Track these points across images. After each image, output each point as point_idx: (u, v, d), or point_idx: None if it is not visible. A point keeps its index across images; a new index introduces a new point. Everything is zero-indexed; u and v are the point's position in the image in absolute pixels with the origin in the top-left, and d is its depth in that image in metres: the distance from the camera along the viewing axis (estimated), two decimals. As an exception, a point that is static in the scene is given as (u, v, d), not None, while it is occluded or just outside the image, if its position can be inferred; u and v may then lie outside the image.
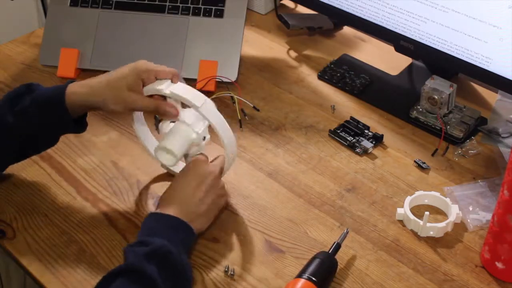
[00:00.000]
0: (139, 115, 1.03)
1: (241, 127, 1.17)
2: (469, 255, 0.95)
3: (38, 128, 0.97)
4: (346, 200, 1.03)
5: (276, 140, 1.15)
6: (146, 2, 1.29)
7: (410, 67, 1.30)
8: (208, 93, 1.23)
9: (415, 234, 0.98)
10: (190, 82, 1.23)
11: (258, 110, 1.20)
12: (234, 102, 1.21)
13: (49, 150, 1.11)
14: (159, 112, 0.96)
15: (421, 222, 0.96)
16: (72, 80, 0.98)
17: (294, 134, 1.16)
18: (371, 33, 1.34)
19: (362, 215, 1.01)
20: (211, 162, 0.98)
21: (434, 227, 0.96)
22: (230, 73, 1.23)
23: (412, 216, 0.98)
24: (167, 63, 1.25)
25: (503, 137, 1.13)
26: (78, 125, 1.00)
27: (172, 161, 0.96)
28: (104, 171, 1.08)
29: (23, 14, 1.62)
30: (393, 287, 0.91)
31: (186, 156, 1.00)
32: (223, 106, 1.21)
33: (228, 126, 0.96)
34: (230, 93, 1.21)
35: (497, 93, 1.24)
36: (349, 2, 1.23)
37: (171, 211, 0.89)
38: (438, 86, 1.12)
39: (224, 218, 1.00)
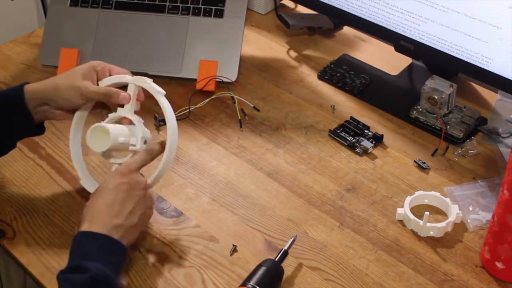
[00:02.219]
0: (79, 118, 1.00)
1: (241, 127, 1.17)
2: (469, 255, 0.95)
3: None
4: (346, 200, 1.03)
5: (276, 140, 1.15)
6: (146, 2, 1.29)
7: (410, 67, 1.30)
8: (208, 93, 1.23)
9: (415, 234, 0.98)
10: (190, 82, 1.24)
11: (258, 110, 1.20)
12: (234, 102, 1.21)
13: (49, 150, 1.11)
14: (111, 98, 0.94)
15: (421, 222, 0.96)
16: (26, 82, 0.97)
17: (294, 134, 1.16)
18: (371, 33, 1.33)
19: (362, 215, 1.01)
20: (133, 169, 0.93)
21: (434, 227, 0.96)
22: (230, 73, 1.23)
23: (412, 216, 0.98)
24: (167, 63, 1.26)
25: (503, 137, 1.13)
26: (37, 127, 0.99)
27: (102, 146, 0.91)
28: (104, 171, 1.08)
29: (23, 14, 1.62)
30: (393, 287, 0.91)
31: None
32: (223, 106, 1.22)
33: (175, 124, 0.94)
34: (230, 93, 1.21)
35: (497, 93, 1.24)
36: (349, 2, 1.23)
37: (101, 228, 0.84)
38: (438, 86, 1.12)
39: (224, 218, 1.00)
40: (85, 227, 0.85)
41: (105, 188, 0.89)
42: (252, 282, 0.85)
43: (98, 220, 0.85)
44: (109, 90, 0.95)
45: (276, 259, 0.90)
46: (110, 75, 0.97)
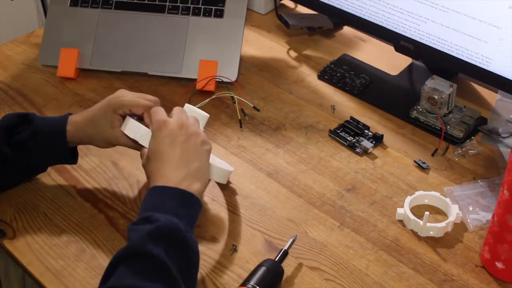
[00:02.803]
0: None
1: (241, 127, 1.17)
2: (469, 255, 0.95)
3: (35, 160, 0.99)
4: (346, 200, 1.03)
5: (276, 140, 1.15)
6: (146, 2, 1.29)
7: (410, 67, 1.30)
8: (208, 93, 1.23)
9: (415, 234, 0.98)
10: (190, 82, 1.24)
11: (258, 110, 1.20)
12: (234, 102, 1.21)
13: (49, 150, 1.11)
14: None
15: (421, 222, 0.96)
16: (70, 113, 1.00)
17: (294, 134, 1.16)
18: (371, 33, 1.33)
19: (362, 215, 1.01)
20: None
21: (434, 227, 0.97)
22: (230, 73, 1.23)
23: (412, 216, 0.98)
24: (167, 63, 1.26)
25: (503, 137, 1.13)
26: (72, 156, 1.02)
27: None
28: (104, 171, 1.08)
29: (23, 14, 1.62)
30: (393, 287, 0.91)
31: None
32: (223, 106, 1.22)
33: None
34: (230, 93, 1.21)
35: (497, 93, 1.24)
36: (349, 2, 1.23)
37: (170, 181, 0.85)
38: (438, 86, 1.12)
39: (224, 218, 1.00)
40: (153, 184, 0.86)
41: (155, 144, 0.88)
42: (252, 282, 0.85)
43: (162, 176, 0.85)
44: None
45: (276, 259, 0.89)
46: (130, 111, 0.96)
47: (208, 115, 0.98)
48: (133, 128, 0.95)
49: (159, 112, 0.92)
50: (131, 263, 0.76)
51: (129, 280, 0.74)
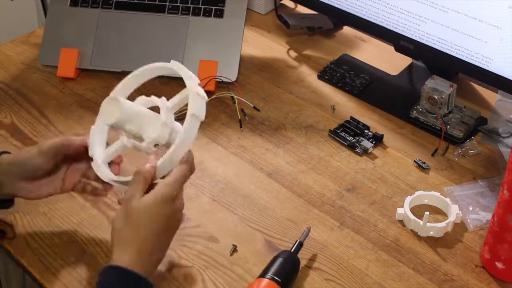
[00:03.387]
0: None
1: (241, 127, 1.17)
2: (469, 255, 0.95)
3: None
4: (346, 200, 1.03)
5: (276, 140, 1.15)
6: (146, 2, 1.29)
7: (410, 67, 1.30)
8: (208, 93, 1.22)
9: (415, 234, 0.98)
10: (190, 82, 1.23)
11: (258, 110, 1.20)
12: (234, 102, 1.21)
13: (49, 150, 1.11)
14: (69, 140, 0.91)
15: (421, 222, 0.96)
16: (4, 152, 0.93)
17: (294, 134, 1.16)
18: (371, 33, 1.34)
19: (362, 215, 1.01)
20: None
21: (434, 227, 0.96)
22: (230, 73, 1.23)
23: (412, 216, 0.98)
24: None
25: (503, 137, 1.13)
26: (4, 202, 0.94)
27: (113, 116, 0.84)
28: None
29: (23, 14, 1.61)
30: (393, 287, 0.91)
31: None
32: (223, 106, 1.22)
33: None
34: (230, 93, 1.21)
35: (497, 93, 1.24)
36: (349, 2, 1.23)
37: (133, 263, 0.78)
38: (438, 86, 1.12)
39: (224, 218, 1.00)
40: (116, 258, 0.79)
41: (142, 217, 0.80)
42: (270, 273, 0.85)
43: (129, 252, 0.79)
44: (66, 136, 0.90)
45: (292, 250, 0.90)
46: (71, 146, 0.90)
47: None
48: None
49: (178, 176, 0.83)
50: None
51: None
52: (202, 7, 1.28)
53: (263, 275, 0.86)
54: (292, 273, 0.89)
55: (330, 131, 1.15)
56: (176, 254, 0.95)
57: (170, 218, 0.82)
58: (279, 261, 0.88)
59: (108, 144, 0.90)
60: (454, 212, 0.98)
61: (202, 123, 1.18)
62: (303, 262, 0.93)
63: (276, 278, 0.85)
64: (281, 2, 1.51)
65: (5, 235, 0.97)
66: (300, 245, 0.92)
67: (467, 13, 1.08)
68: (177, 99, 0.90)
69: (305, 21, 1.41)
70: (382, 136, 1.13)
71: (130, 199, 0.81)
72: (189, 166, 0.84)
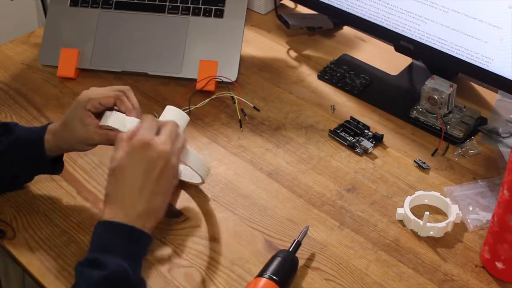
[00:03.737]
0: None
1: (241, 127, 1.17)
2: (469, 255, 0.95)
3: (14, 170, 0.97)
4: (346, 200, 1.03)
5: (276, 140, 1.15)
6: (146, 2, 1.29)
7: (410, 67, 1.30)
8: (208, 93, 1.23)
9: (415, 234, 0.98)
10: (190, 82, 1.24)
11: (258, 110, 1.20)
12: (234, 102, 1.21)
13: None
14: (111, 138, 0.93)
15: (421, 222, 0.96)
16: (50, 122, 0.97)
17: (294, 134, 1.16)
18: (371, 33, 1.34)
19: (362, 215, 1.01)
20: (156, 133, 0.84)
21: (434, 227, 0.96)
22: (230, 73, 1.23)
23: (412, 216, 0.98)
24: (167, 63, 1.26)
25: (503, 137, 1.13)
26: (55, 165, 0.99)
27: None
28: (104, 171, 1.08)
29: (23, 14, 1.61)
30: (393, 287, 0.91)
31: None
32: (223, 106, 1.22)
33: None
34: (230, 93, 1.21)
35: (497, 93, 1.24)
36: (349, 2, 1.23)
37: (123, 216, 0.79)
38: (438, 86, 1.12)
39: (224, 218, 1.00)
40: (106, 215, 0.79)
41: (123, 166, 0.81)
42: (269, 273, 0.85)
43: (119, 207, 0.79)
44: (109, 139, 0.93)
45: (290, 249, 0.90)
46: (100, 104, 0.92)
47: (189, 118, 0.96)
48: (117, 119, 0.91)
49: (149, 123, 0.84)
50: None
51: None
52: (202, 7, 1.28)
53: (261, 274, 0.86)
54: (290, 272, 0.89)
55: (330, 131, 1.15)
56: (176, 254, 0.95)
57: (151, 167, 0.80)
58: (277, 260, 0.88)
59: None
60: (454, 212, 0.98)
61: (202, 123, 1.19)
62: (302, 262, 0.93)
63: (274, 277, 0.85)
64: (281, 2, 1.51)
65: (5, 235, 0.97)
66: (298, 244, 0.92)
67: (467, 13, 1.08)
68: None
69: (305, 21, 1.41)
70: (382, 136, 1.13)
71: (111, 158, 0.84)
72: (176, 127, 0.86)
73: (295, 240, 0.92)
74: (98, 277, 0.74)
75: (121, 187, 0.80)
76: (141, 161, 0.81)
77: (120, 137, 0.83)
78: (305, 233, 0.93)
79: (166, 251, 0.95)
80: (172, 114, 0.94)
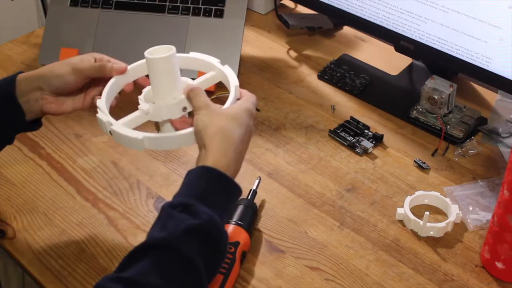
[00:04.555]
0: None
1: (241, 127, 1.17)
2: (469, 255, 0.95)
3: None
4: (346, 200, 1.03)
5: (276, 140, 1.15)
6: (146, 2, 1.29)
7: (410, 67, 1.30)
8: (208, 93, 1.22)
9: (415, 234, 0.98)
10: (190, 82, 1.23)
11: (258, 110, 1.20)
12: (234, 102, 1.21)
13: (49, 150, 1.11)
14: (105, 70, 0.91)
15: (421, 222, 0.96)
16: (21, 72, 0.92)
17: (294, 134, 1.16)
18: (371, 33, 1.33)
19: (362, 215, 1.01)
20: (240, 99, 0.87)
21: (434, 227, 0.97)
22: (230, 73, 1.23)
23: (412, 216, 0.98)
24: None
25: (503, 137, 1.13)
26: (32, 123, 0.93)
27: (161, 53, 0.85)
28: (104, 171, 1.08)
29: (23, 14, 1.61)
30: (393, 287, 0.91)
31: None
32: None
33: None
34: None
35: (497, 93, 1.24)
36: (349, 2, 1.23)
37: (229, 168, 0.78)
38: (438, 86, 1.12)
39: (224, 218, 1.00)
40: (209, 160, 0.77)
41: (235, 122, 0.81)
42: (235, 219, 0.94)
43: (223, 157, 0.78)
44: (102, 64, 0.91)
45: (249, 198, 0.99)
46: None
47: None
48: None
49: (250, 97, 0.88)
50: (160, 257, 0.70)
51: (155, 278, 0.68)
52: (202, 7, 1.28)
53: (227, 221, 0.94)
54: (253, 218, 0.97)
55: (330, 131, 1.15)
56: (176, 254, 0.95)
57: (249, 129, 0.83)
58: (240, 208, 0.96)
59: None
60: (454, 212, 0.98)
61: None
62: (302, 262, 0.93)
63: (240, 222, 0.94)
64: (281, 2, 1.51)
65: (5, 235, 0.97)
66: (255, 192, 1.00)
67: (467, 13, 1.08)
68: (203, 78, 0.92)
69: (305, 21, 1.41)
70: (382, 136, 1.13)
71: (208, 105, 0.83)
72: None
73: (251, 189, 1.00)
74: (189, 225, 0.72)
75: (227, 143, 0.79)
76: (249, 126, 0.83)
77: (246, 102, 0.86)
78: (259, 183, 1.01)
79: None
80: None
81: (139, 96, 0.88)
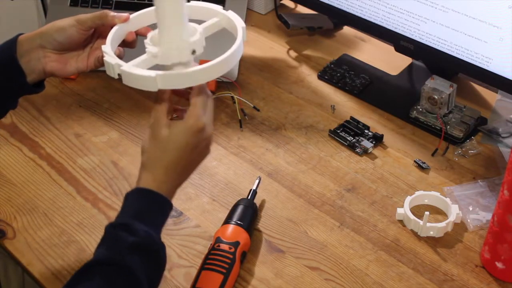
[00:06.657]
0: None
1: (241, 127, 1.17)
2: (469, 255, 0.95)
3: None
4: (346, 200, 1.03)
5: (276, 140, 1.15)
6: (146, 2, 1.29)
7: (410, 67, 1.30)
8: (208, 93, 1.23)
9: (415, 234, 0.98)
10: (190, 82, 1.23)
11: (258, 110, 1.20)
12: (234, 102, 1.21)
13: (49, 150, 1.11)
14: (107, 17, 0.90)
15: (421, 222, 0.96)
16: (21, 33, 0.91)
17: (294, 134, 1.16)
18: (371, 33, 1.33)
19: (362, 215, 1.01)
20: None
21: (434, 227, 0.97)
22: (230, 73, 1.23)
23: (412, 216, 0.98)
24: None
25: (503, 137, 1.13)
26: (35, 86, 0.90)
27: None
28: (104, 171, 1.08)
29: (23, 14, 1.61)
30: (393, 287, 0.91)
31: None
32: (223, 106, 1.22)
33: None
34: (230, 93, 1.21)
35: (497, 93, 1.24)
36: (349, 2, 1.23)
37: (162, 187, 0.80)
38: (438, 86, 1.12)
39: (224, 218, 1.00)
40: (144, 181, 0.80)
41: (173, 143, 0.80)
42: (234, 219, 0.94)
43: (157, 173, 0.80)
44: (104, 12, 0.91)
45: (249, 198, 0.99)
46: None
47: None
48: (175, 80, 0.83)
49: (201, 105, 0.83)
50: (107, 273, 0.75)
51: None
52: (202, 7, 1.28)
53: (227, 222, 0.94)
54: (253, 218, 0.97)
55: (330, 131, 1.15)
56: (176, 254, 0.95)
57: (197, 148, 0.81)
58: (240, 208, 0.96)
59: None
60: (454, 212, 0.98)
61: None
62: (302, 262, 0.93)
63: (240, 222, 0.94)
64: (281, 2, 1.50)
65: (5, 235, 0.97)
66: (255, 192, 1.00)
67: (467, 13, 1.08)
68: (208, 24, 0.89)
69: (305, 21, 1.41)
70: (382, 136, 1.13)
71: (157, 123, 0.81)
72: (206, 94, 0.86)
73: (251, 189, 1.00)
74: (130, 242, 0.76)
75: (167, 159, 0.80)
76: (192, 144, 0.81)
77: (195, 118, 0.81)
78: (259, 183, 1.01)
79: (166, 251, 0.95)
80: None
81: (145, 41, 0.84)
